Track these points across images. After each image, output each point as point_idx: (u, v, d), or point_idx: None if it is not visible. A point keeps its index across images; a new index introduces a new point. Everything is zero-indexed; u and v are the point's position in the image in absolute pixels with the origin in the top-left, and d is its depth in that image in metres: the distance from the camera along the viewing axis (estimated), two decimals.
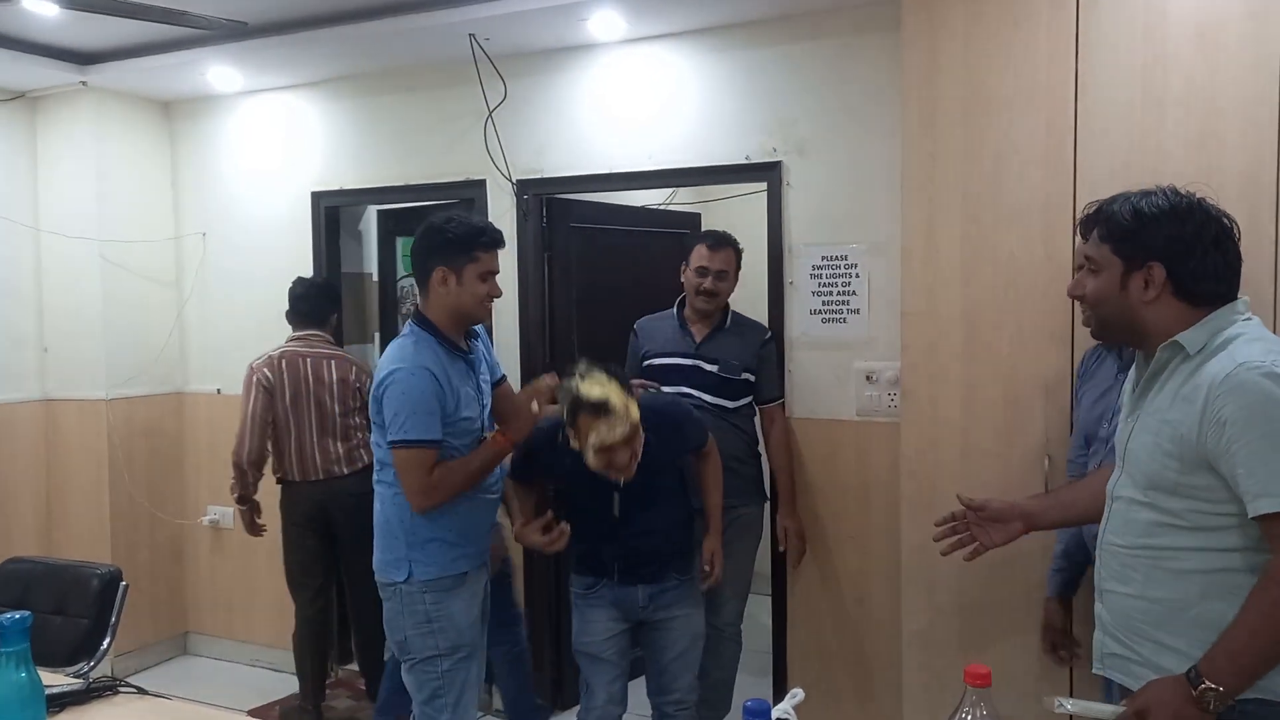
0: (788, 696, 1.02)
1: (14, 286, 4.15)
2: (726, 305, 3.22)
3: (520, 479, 2.67)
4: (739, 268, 3.22)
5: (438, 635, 2.42)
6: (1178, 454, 1.54)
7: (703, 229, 4.37)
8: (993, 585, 2.54)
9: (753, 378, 3.18)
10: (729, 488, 2.89)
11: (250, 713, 3.38)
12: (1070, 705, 1.57)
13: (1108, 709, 1.58)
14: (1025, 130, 2.51)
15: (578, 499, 2.60)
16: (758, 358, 3.18)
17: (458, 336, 2.47)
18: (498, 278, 2.49)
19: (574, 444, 2.37)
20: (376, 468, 2.50)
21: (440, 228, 2.43)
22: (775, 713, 1.02)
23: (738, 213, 4.36)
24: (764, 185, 3.32)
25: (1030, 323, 2.51)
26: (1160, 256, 1.58)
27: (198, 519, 4.45)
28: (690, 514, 2.73)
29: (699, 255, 3.17)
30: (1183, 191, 1.60)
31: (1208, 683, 1.48)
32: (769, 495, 3.31)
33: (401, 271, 4.29)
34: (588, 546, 2.63)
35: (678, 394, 3.06)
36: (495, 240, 2.47)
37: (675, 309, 3.29)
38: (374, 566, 2.50)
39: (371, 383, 2.51)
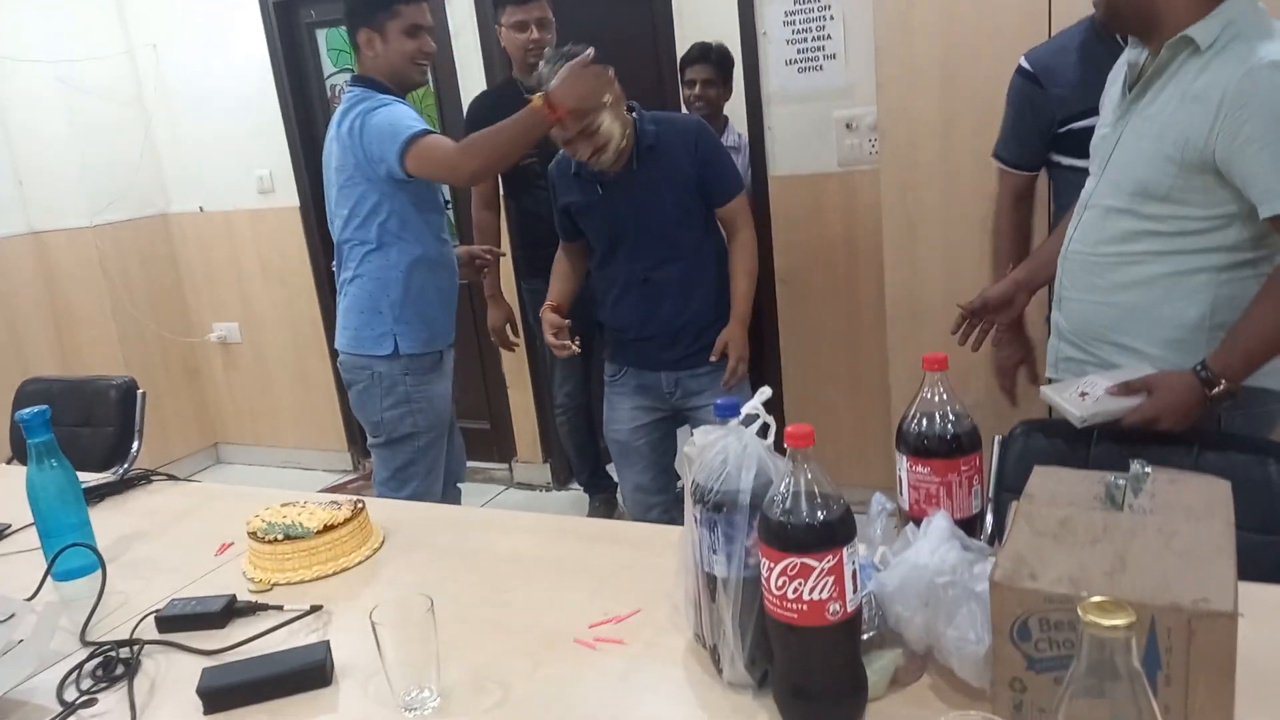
0: (756, 394, 1.08)
1: None
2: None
3: (564, 234, 2.53)
4: None
5: (416, 415, 2.46)
6: (1179, 158, 1.48)
7: None
8: None
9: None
10: None
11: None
12: (1080, 403, 1.50)
13: (1122, 404, 1.51)
14: None
15: (598, 245, 2.43)
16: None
17: (401, 97, 2.40)
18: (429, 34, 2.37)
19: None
20: (356, 239, 2.43)
21: None
22: (745, 408, 1.09)
23: None
24: None
25: (1008, 48, 2.42)
26: None
27: (205, 336, 4.55)
28: (723, 292, 2.42)
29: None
30: None
31: (1225, 382, 1.46)
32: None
33: (330, 68, 4.10)
34: (614, 330, 2.48)
35: None
36: None
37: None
38: (345, 346, 2.49)
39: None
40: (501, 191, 3.22)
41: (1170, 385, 1.50)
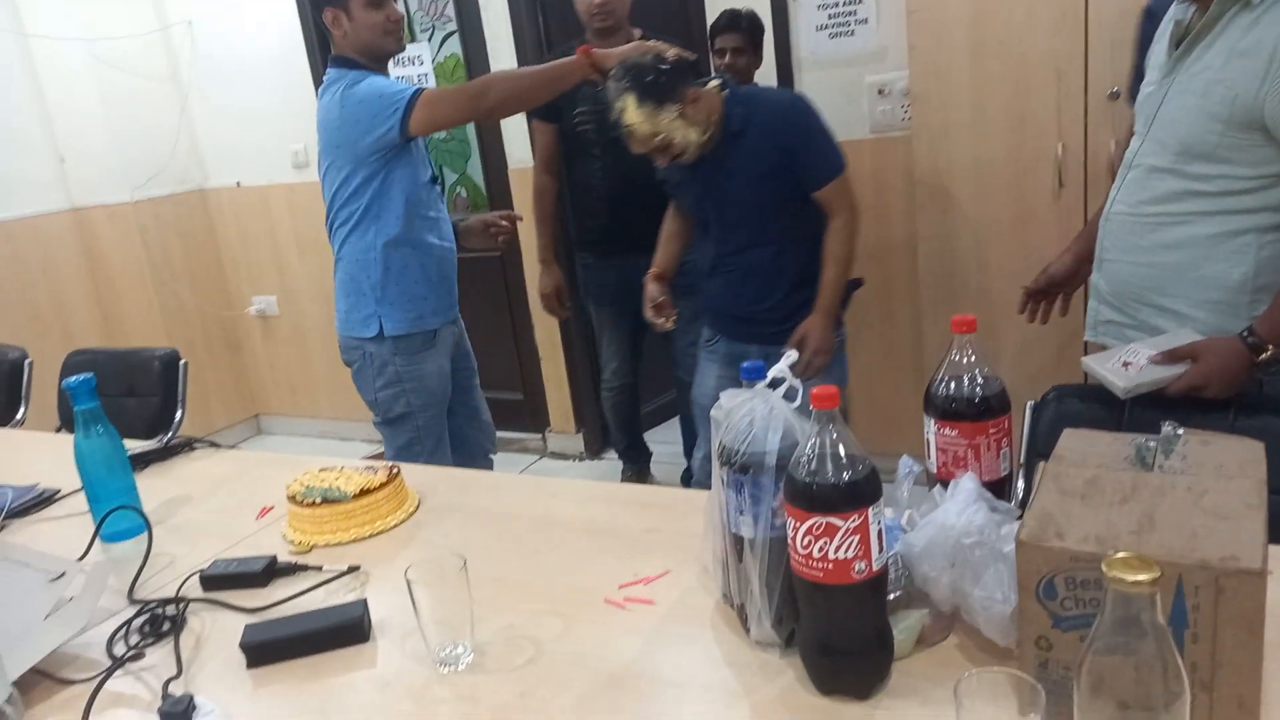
0: (783, 358, 1.09)
1: (15, 99, 4.10)
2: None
3: (670, 194, 2.49)
4: None
5: (410, 395, 2.44)
6: (1226, 116, 1.45)
7: None
8: (1013, 290, 2.59)
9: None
10: None
11: None
12: (1128, 371, 1.48)
13: (1167, 373, 1.47)
14: None
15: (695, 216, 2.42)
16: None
17: (381, 71, 2.37)
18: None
19: None
20: (338, 220, 2.43)
21: None
22: (771, 372, 1.09)
23: None
24: None
25: (1040, 10, 2.39)
26: None
27: (245, 310, 4.63)
28: (816, 278, 2.29)
29: None
30: None
31: (1273, 348, 1.44)
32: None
33: None
34: (708, 297, 2.46)
35: None
36: None
37: None
38: (339, 328, 2.50)
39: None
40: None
41: (1216, 351, 1.47)
